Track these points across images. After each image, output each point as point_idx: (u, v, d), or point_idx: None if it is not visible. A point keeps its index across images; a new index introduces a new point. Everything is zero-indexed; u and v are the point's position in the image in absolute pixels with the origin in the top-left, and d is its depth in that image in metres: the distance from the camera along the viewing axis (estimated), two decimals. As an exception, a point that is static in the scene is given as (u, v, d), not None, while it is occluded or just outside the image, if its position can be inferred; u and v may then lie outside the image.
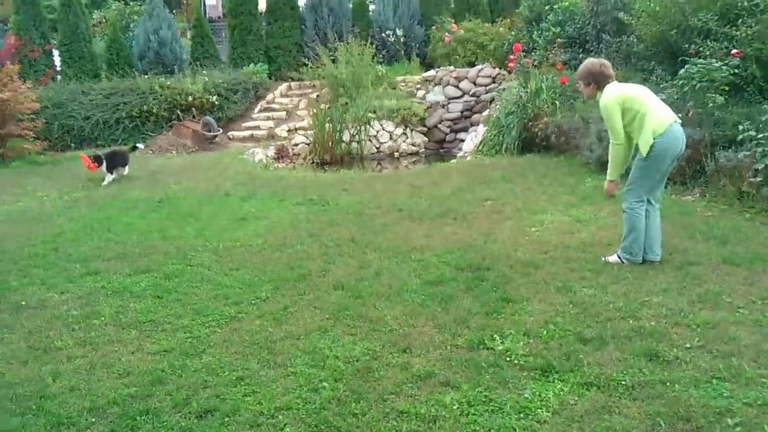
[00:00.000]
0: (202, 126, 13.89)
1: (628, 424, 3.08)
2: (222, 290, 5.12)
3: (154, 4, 17.04)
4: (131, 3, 22.07)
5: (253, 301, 4.87)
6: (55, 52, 16.63)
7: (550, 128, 9.93)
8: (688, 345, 3.75)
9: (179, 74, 15.55)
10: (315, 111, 13.27)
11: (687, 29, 8.74)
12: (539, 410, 3.24)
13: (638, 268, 5.00)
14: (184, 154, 12.88)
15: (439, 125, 14.25)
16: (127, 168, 10.34)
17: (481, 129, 11.94)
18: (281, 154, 13.02)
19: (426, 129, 14.24)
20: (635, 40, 10.31)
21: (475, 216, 6.90)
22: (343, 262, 5.64)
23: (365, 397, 3.44)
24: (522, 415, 3.22)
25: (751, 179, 6.43)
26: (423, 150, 13.93)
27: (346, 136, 13.19)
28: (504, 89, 12.70)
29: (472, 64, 15.57)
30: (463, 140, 13.25)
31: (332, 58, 14.82)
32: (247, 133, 14.47)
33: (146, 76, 15.35)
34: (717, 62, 7.54)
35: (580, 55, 11.83)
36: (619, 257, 5.11)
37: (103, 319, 4.71)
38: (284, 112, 15.35)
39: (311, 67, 15.44)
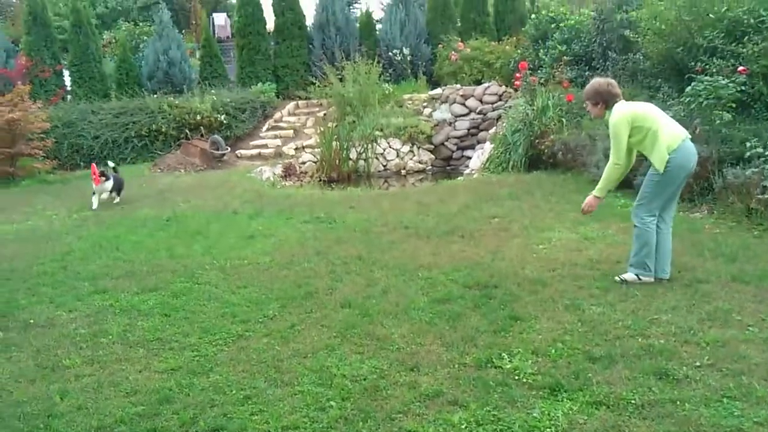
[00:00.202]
0: (210, 144, 13.99)
1: (638, 443, 3.05)
2: (229, 308, 5.12)
3: (164, 24, 17.26)
4: (141, 24, 22.39)
5: (260, 320, 4.87)
6: (66, 72, 16.86)
7: (556, 145, 9.94)
8: (697, 363, 3.72)
9: (188, 93, 15.71)
10: (322, 129, 13.34)
11: (693, 47, 8.77)
12: (548, 430, 3.21)
13: (647, 286, 4.97)
14: (192, 173, 12.95)
15: (445, 143, 14.30)
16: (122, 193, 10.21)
17: (488, 146, 11.97)
18: (289, 172, 13.08)
19: (433, 146, 14.30)
20: (641, 57, 10.33)
21: (482, 233, 6.90)
22: (350, 280, 5.63)
23: (373, 416, 3.42)
24: (531, 435, 3.19)
25: (760, 196, 6.41)
26: (430, 167, 13.97)
27: (353, 154, 13.24)
28: (510, 107, 12.75)
29: (478, 82, 15.65)
30: (469, 158, 13.29)
31: (339, 76, 14.94)
32: (254, 151, 14.56)
33: (155, 96, 15.52)
34: (724, 79, 7.55)
35: (587, 73, 11.88)
36: (636, 275, 5.05)
37: (110, 337, 4.71)
38: (292, 131, 15.45)
39: (319, 86, 15.57)
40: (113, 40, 20.96)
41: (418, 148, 14.12)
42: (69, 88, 16.80)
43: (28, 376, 4.15)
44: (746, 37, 8.05)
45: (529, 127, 10.56)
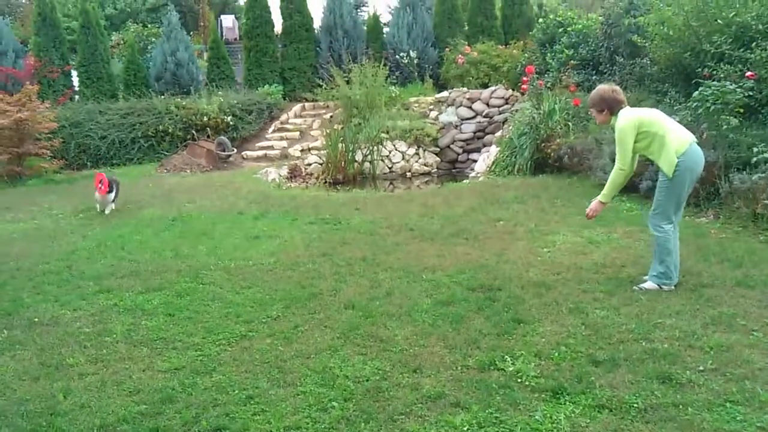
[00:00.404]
0: (216, 146, 14.03)
1: (641, 447, 3.04)
2: (233, 309, 5.13)
3: (172, 26, 17.34)
4: (149, 25, 22.47)
5: (264, 320, 4.87)
6: (74, 73, 16.94)
7: (563, 149, 9.93)
8: (701, 368, 3.71)
9: (195, 95, 15.78)
10: (328, 131, 13.36)
11: (701, 52, 8.75)
12: (550, 432, 3.21)
13: (652, 291, 4.95)
14: (198, 173, 12.99)
15: (451, 146, 14.30)
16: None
17: (494, 150, 11.96)
18: (294, 174, 13.10)
19: (438, 149, 14.30)
20: (649, 62, 10.32)
21: (487, 236, 6.89)
22: (354, 282, 5.63)
23: (375, 418, 3.42)
24: (532, 438, 3.19)
25: (766, 201, 6.38)
26: (435, 170, 13.96)
27: (358, 156, 13.26)
28: (517, 110, 12.73)
29: (485, 86, 15.66)
30: (475, 161, 13.28)
31: (346, 79, 14.96)
32: (260, 152, 14.60)
33: (162, 97, 15.60)
34: (731, 84, 7.52)
35: (594, 77, 11.88)
36: (658, 285, 4.99)
37: (114, 336, 4.73)
38: (298, 133, 15.48)
39: (325, 88, 15.61)
40: (121, 42, 21.04)
41: (424, 150, 14.12)
42: (77, 89, 16.90)
43: (32, 374, 4.16)
44: (754, 43, 8.02)
45: (536, 131, 10.55)
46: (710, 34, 8.59)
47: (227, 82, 17.15)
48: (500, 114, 14.12)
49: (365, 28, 18.84)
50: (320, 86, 15.98)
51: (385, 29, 19.40)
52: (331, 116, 15.48)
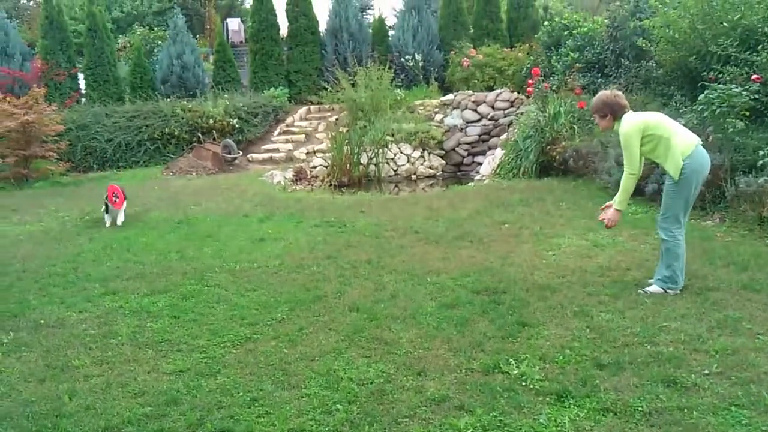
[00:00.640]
0: (222, 148, 14.06)
1: (645, 451, 3.03)
2: (238, 311, 5.14)
3: (178, 29, 17.41)
4: (155, 28, 22.57)
5: (268, 323, 4.88)
6: (81, 76, 17.01)
7: (568, 152, 9.92)
8: (706, 371, 3.70)
9: (201, 98, 15.84)
10: (333, 134, 13.37)
11: (707, 55, 8.73)
12: (554, 436, 3.20)
13: (657, 294, 4.94)
14: (204, 176, 13.02)
15: (456, 148, 14.29)
16: None
17: (499, 152, 11.96)
18: (299, 177, 13.12)
19: (444, 152, 14.29)
20: (654, 65, 10.30)
21: (492, 239, 6.89)
22: (359, 284, 5.64)
23: (379, 420, 3.42)
24: (537, 441, 3.18)
25: (772, 204, 6.36)
26: (440, 173, 13.96)
27: (364, 159, 13.26)
28: (522, 113, 12.73)
29: (490, 89, 15.65)
30: (480, 163, 13.28)
31: (351, 82, 14.99)
32: (266, 155, 14.63)
33: (169, 100, 15.66)
34: (737, 87, 7.51)
35: (599, 80, 11.87)
36: (664, 289, 4.97)
37: (120, 338, 4.74)
38: (303, 135, 15.51)
39: (331, 91, 15.64)
40: (128, 45, 21.15)
41: (429, 153, 14.12)
42: (83, 92, 16.97)
43: (38, 376, 4.17)
44: (760, 46, 8.00)
45: (541, 134, 10.55)
46: (716, 37, 8.57)
47: (233, 85, 17.20)
48: (505, 117, 14.11)
49: (370, 31, 18.87)
50: (326, 89, 16.02)
51: (391, 32, 19.40)
52: (337, 119, 15.50)
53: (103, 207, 8.77)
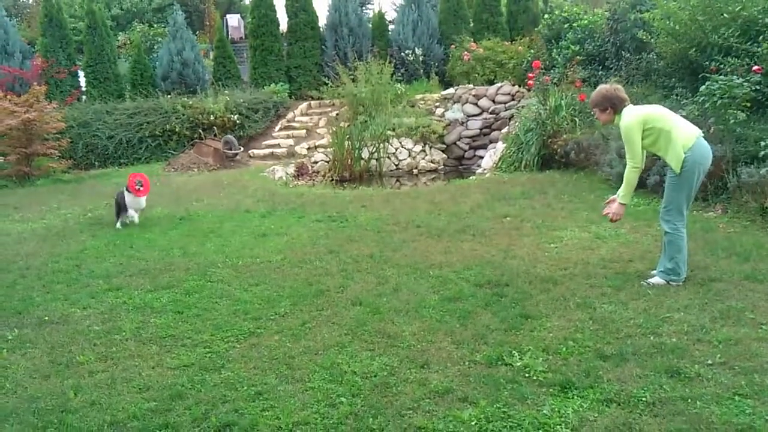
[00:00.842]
0: (223, 144, 14.06)
1: (649, 441, 3.04)
2: (241, 306, 5.15)
3: (178, 26, 17.39)
4: (155, 25, 22.54)
5: (271, 317, 4.89)
6: (81, 73, 17.00)
7: (569, 145, 9.91)
8: (709, 361, 3.70)
9: (201, 94, 15.83)
10: (334, 129, 13.37)
11: (707, 46, 8.71)
12: (558, 427, 3.21)
13: (660, 285, 4.95)
14: (205, 172, 13.03)
15: (458, 142, 14.29)
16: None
17: (500, 146, 11.95)
18: (301, 172, 13.12)
19: (445, 146, 14.29)
20: (655, 57, 10.28)
21: (494, 232, 6.89)
22: (361, 278, 5.65)
23: (383, 413, 3.43)
24: (541, 432, 3.19)
25: (774, 195, 6.36)
26: (442, 167, 13.95)
27: (365, 154, 13.26)
28: (523, 106, 12.72)
29: (491, 82, 15.64)
30: (482, 157, 13.26)
31: (352, 77, 14.97)
32: (267, 151, 14.63)
33: (169, 96, 15.65)
34: (738, 79, 7.49)
35: (600, 73, 11.86)
36: (667, 281, 4.97)
37: (124, 334, 4.75)
38: (304, 131, 15.51)
39: (331, 86, 15.63)
40: (128, 42, 21.14)
41: (430, 147, 14.11)
42: (84, 89, 16.96)
43: (43, 372, 4.19)
44: (761, 36, 7.99)
45: (542, 127, 10.53)
46: (716, 28, 8.55)
47: (233, 81, 17.19)
48: (506, 110, 14.10)
49: (370, 25, 18.83)
50: (326, 84, 16.01)
51: (391, 27, 19.38)
52: (337, 114, 15.50)
53: (115, 208, 8.22)
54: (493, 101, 14.56)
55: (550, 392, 3.53)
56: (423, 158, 13.93)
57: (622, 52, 11.34)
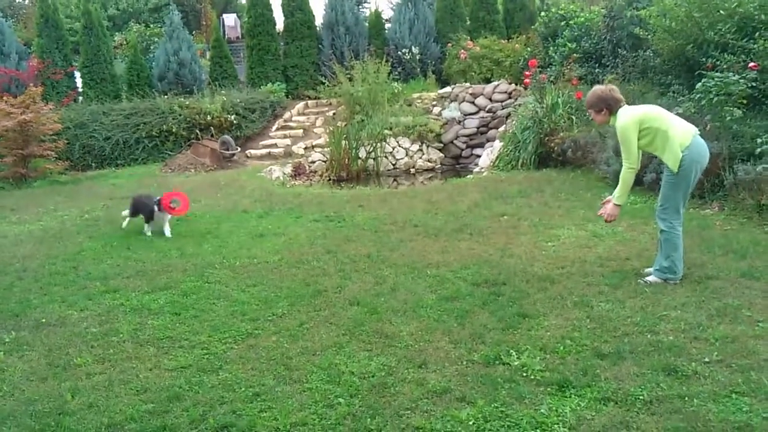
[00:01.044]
0: (220, 145, 14.05)
1: (646, 439, 3.05)
2: (239, 307, 5.15)
3: (174, 26, 17.36)
4: (152, 25, 22.50)
5: (269, 318, 4.89)
6: (77, 74, 16.97)
7: (566, 143, 9.92)
8: (706, 359, 3.71)
9: (198, 94, 15.81)
10: (331, 128, 13.36)
11: (704, 43, 8.72)
12: (556, 426, 3.21)
13: (657, 283, 4.95)
14: (202, 173, 13.01)
15: (455, 141, 14.28)
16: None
17: (497, 144, 11.95)
18: (298, 172, 13.12)
19: (442, 145, 14.28)
20: (652, 54, 10.29)
21: (491, 231, 6.89)
22: (359, 278, 5.65)
23: (381, 413, 3.43)
24: (538, 431, 3.19)
25: (771, 192, 6.37)
26: (439, 166, 13.95)
27: (362, 153, 13.25)
28: (520, 105, 12.71)
29: (487, 81, 15.63)
30: (479, 156, 13.27)
31: (349, 76, 14.96)
32: (264, 151, 14.62)
33: (166, 97, 15.62)
34: (734, 75, 7.50)
35: (596, 70, 11.86)
36: (664, 279, 4.98)
37: (121, 336, 4.75)
38: (301, 130, 15.50)
39: (328, 86, 15.61)
40: (124, 42, 21.11)
41: (428, 146, 14.11)
42: (80, 90, 16.94)
43: (40, 375, 4.19)
44: (757, 33, 8.00)
45: (539, 125, 10.54)
46: (713, 25, 8.56)
47: (230, 81, 17.17)
48: (503, 109, 14.09)
49: (367, 24, 18.82)
50: (323, 83, 15.99)
51: (387, 25, 19.38)
52: (334, 113, 15.48)
53: (146, 216, 7.84)
54: (490, 100, 14.56)
55: (547, 391, 3.53)
56: (420, 157, 13.92)
57: (619, 50, 11.34)
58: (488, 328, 4.38)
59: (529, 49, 15.15)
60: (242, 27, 21.53)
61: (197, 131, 14.72)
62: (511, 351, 4.02)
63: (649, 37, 9.86)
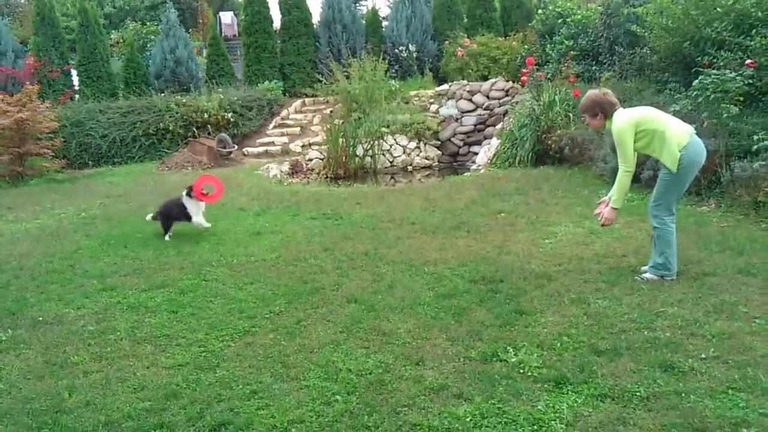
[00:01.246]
0: (217, 143, 14.03)
1: (643, 435, 3.06)
2: (236, 304, 5.15)
3: (171, 23, 17.31)
4: (148, 23, 22.45)
5: (266, 315, 4.89)
6: (74, 72, 16.92)
7: (563, 140, 9.92)
8: (703, 355, 3.72)
9: (195, 92, 15.78)
10: (329, 126, 13.34)
11: (700, 40, 8.72)
12: (553, 422, 3.22)
13: (653, 280, 4.96)
14: (199, 171, 12.98)
15: (452, 138, 14.28)
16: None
17: (495, 142, 11.95)
18: (295, 170, 13.10)
19: (439, 142, 14.28)
20: (648, 52, 10.29)
21: (488, 228, 6.90)
22: (356, 276, 5.65)
23: (378, 410, 3.43)
24: (535, 428, 3.20)
25: (767, 189, 6.37)
26: (436, 163, 13.94)
27: (359, 151, 13.25)
28: (517, 102, 12.73)
29: (485, 78, 15.63)
30: (476, 153, 13.27)
31: (346, 74, 14.95)
32: (261, 149, 14.60)
33: (163, 95, 15.60)
34: (731, 73, 7.51)
35: (593, 68, 11.86)
36: (660, 276, 4.98)
37: (118, 334, 4.75)
38: (298, 128, 15.48)
39: (325, 84, 15.60)
40: (121, 40, 21.04)
41: (425, 144, 14.11)
42: (77, 88, 16.89)
43: (37, 373, 4.18)
44: (754, 30, 8.00)
45: (536, 123, 10.54)
46: (710, 22, 8.56)
47: (227, 79, 17.15)
48: (501, 106, 14.10)
49: (364, 22, 18.80)
50: (320, 81, 15.97)
51: (384, 23, 19.36)
52: (331, 111, 15.47)
53: (162, 220, 7.42)
54: (487, 97, 14.56)
55: (544, 388, 3.54)
56: (417, 155, 13.92)
57: (616, 47, 11.35)
58: (485, 325, 4.39)
59: (526, 46, 15.14)
60: (239, 25, 21.49)
61: (194, 129, 14.69)
62: (508, 348, 4.02)
63: (646, 34, 9.85)
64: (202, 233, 7.51)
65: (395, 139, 13.93)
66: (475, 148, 13.84)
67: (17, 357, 4.46)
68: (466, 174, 11.30)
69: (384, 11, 22.21)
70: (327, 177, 12.76)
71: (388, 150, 13.81)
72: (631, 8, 10.70)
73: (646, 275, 5.03)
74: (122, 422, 3.52)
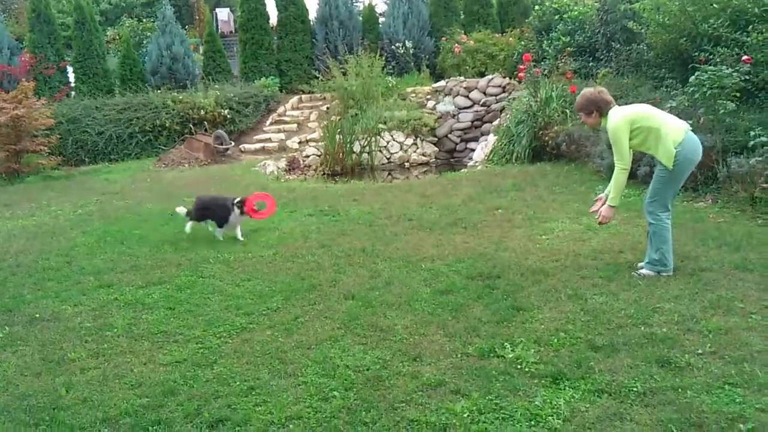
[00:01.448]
0: (214, 139, 14.01)
1: (640, 431, 3.06)
2: (233, 301, 5.15)
3: (167, 20, 17.28)
4: (144, 19, 22.39)
5: (264, 312, 4.89)
6: (70, 69, 16.88)
7: (560, 137, 9.92)
8: (700, 351, 3.73)
9: (191, 89, 15.76)
10: (326, 123, 13.34)
11: (697, 36, 8.73)
12: (550, 418, 3.22)
13: (650, 276, 4.97)
14: (196, 167, 12.98)
15: (449, 135, 14.29)
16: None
17: (492, 138, 11.96)
18: (292, 166, 13.09)
19: (436, 139, 14.29)
20: (645, 48, 10.29)
21: (485, 225, 6.90)
22: (353, 272, 5.65)
23: (375, 406, 3.44)
24: (533, 423, 3.20)
25: (764, 185, 6.40)
26: (433, 160, 13.95)
27: (356, 147, 13.25)
28: (514, 99, 12.73)
29: (482, 75, 15.63)
30: (473, 150, 13.27)
31: (342, 70, 14.93)
32: (258, 145, 14.59)
33: (159, 91, 15.57)
34: (727, 69, 7.51)
35: (590, 64, 11.86)
36: (657, 272, 4.99)
37: (115, 330, 4.74)
38: (295, 125, 15.46)
39: (322, 80, 15.58)
40: (117, 37, 20.98)
41: (422, 140, 14.11)
42: (73, 85, 16.85)
43: (34, 370, 4.18)
44: (750, 26, 8.01)
45: (533, 119, 10.54)
46: (706, 18, 8.56)
47: (223, 76, 17.12)
48: (497, 102, 14.10)
49: (361, 18, 18.78)
50: (317, 78, 15.96)
51: (381, 19, 19.32)
52: (328, 108, 15.46)
53: (219, 221, 7.16)
54: (485, 93, 14.57)
55: (541, 383, 3.55)
56: (414, 151, 13.93)
57: (612, 43, 11.35)
58: (483, 321, 4.39)
59: (523, 42, 15.15)
60: (235, 21, 21.45)
61: (191, 126, 14.67)
62: (506, 344, 4.03)
63: (643, 30, 9.86)
64: (200, 230, 7.49)
65: (392, 136, 13.93)
66: (472, 145, 13.85)
67: (14, 354, 4.45)
68: (463, 170, 11.31)
69: (381, 7, 22.14)
70: (324, 173, 12.77)
71: (384, 146, 13.82)
72: (627, 4, 10.71)
73: (643, 271, 5.04)
74: (119, 419, 3.51)
